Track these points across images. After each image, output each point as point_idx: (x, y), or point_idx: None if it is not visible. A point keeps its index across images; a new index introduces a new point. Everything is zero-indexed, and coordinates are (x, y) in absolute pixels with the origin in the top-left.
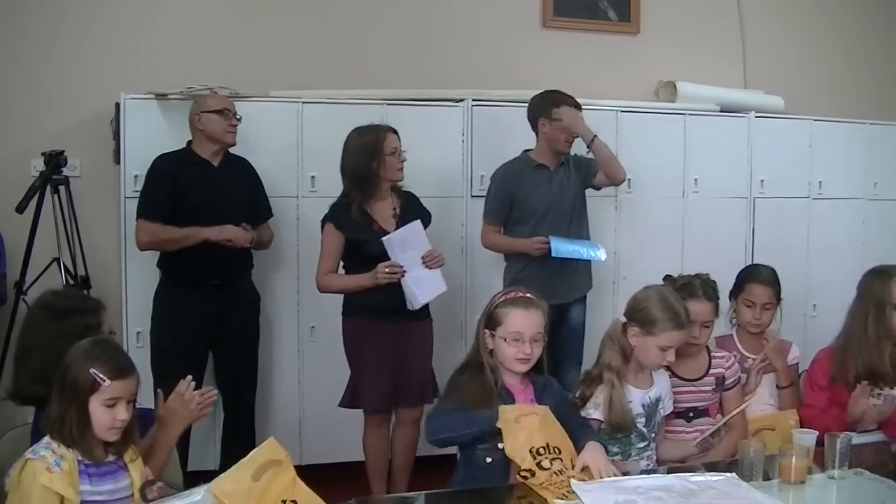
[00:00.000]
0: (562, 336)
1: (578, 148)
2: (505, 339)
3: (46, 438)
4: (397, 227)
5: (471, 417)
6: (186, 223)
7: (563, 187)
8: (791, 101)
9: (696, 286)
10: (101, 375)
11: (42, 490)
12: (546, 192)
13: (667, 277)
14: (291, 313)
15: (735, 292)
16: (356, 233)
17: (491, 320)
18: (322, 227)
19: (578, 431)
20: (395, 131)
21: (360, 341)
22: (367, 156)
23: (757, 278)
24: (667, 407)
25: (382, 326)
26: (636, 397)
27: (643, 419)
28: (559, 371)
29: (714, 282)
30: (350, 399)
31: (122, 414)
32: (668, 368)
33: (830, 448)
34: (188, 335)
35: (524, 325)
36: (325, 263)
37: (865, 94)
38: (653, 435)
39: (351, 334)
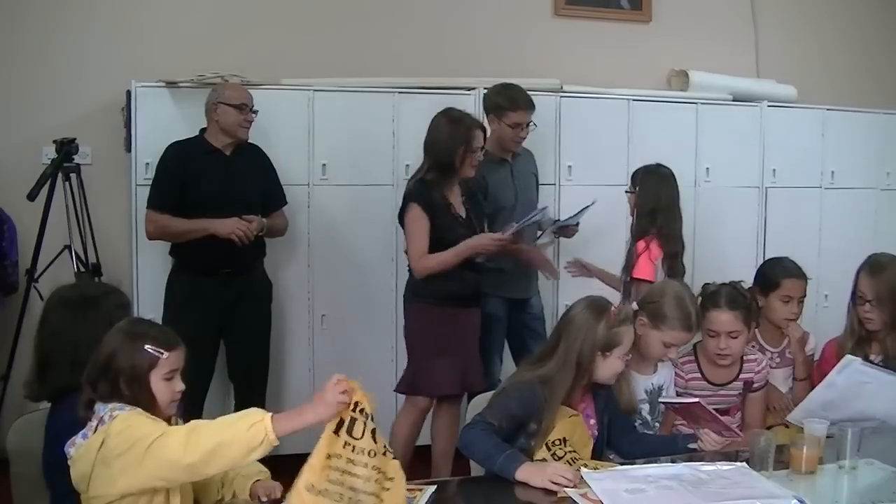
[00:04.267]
0: (529, 326)
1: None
2: (619, 358)
3: (110, 404)
4: (467, 214)
5: (492, 456)
6: (197, 213)
7: (524, 178)
8: (803, 90)
9: (720, 295)
10: (157, 349)
11: (152, 421)
12: (511, 186)
13: (706, 286)
14: (302, 301)
15: (766, 289)
16: (439, 216)
17: (607, 344)
18: (405, 207)
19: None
20: (483, 128)
21: (431, 327)
22: (456, 145)
23: (792, 273)
24: (670, 395)
25: (455, 312)
26: (639, 383)
27: (647, 406)
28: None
29: (745, 291)
30: (410, 385)
31: (180, 384)
32: (699, 370)
33: (842, 438)
34: (200, 323)
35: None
36: (418, 246)
37: (878, 84)
38: (657, 424)
39: (422, 320)
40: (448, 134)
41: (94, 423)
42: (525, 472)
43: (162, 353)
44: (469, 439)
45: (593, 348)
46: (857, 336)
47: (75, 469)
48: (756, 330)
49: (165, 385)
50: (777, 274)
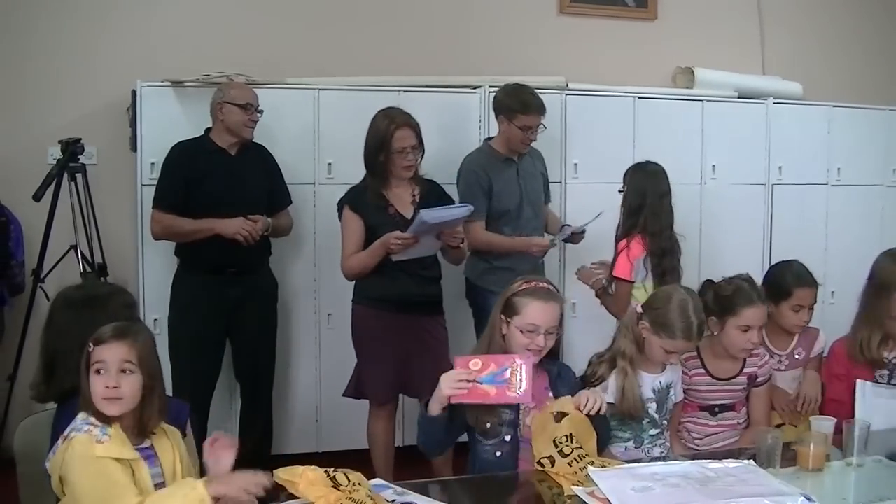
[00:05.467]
0: None
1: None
2: (520, 330)
3: (82, 415)
4: (415, 214)
5: (421, 422)
6: (202, 212)
7: (530, 179)
8: (809, 87)
9: (754, 290)
10: (89, 343)
11: (96, 461)
12: (516, 187)
13: (723, 286)
14: (308, 300)
15: (777, 297)
16: (372, 216)
17: (508, 307)
18: (339, 211)
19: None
20: (411, 125)
21: (366, 330)
22: (376, 145)
23: (804, 282)
24: (678, 394)
25: (390, 316)
26: (647, 382)
27: (654, 405)
28: None
29: (757, 287)
30: (354, 389)
31: (110, 381)
32: (702, 366)
33: (849, 435)
34: (206, 323)
35: (542, 317)
36: (347, 248)
37: (884, 80)
38: (665, 422)
39: (358, 322)
40: (371, 135)
41: (60, 441)
42: (434, 398)
43: (89, 347)
44: (418, 426)
45: (498, 309)
46: (882, 332)
47: (52, 481)
48: (763, 333)
49: (95, 379)
50: (789, 283)
